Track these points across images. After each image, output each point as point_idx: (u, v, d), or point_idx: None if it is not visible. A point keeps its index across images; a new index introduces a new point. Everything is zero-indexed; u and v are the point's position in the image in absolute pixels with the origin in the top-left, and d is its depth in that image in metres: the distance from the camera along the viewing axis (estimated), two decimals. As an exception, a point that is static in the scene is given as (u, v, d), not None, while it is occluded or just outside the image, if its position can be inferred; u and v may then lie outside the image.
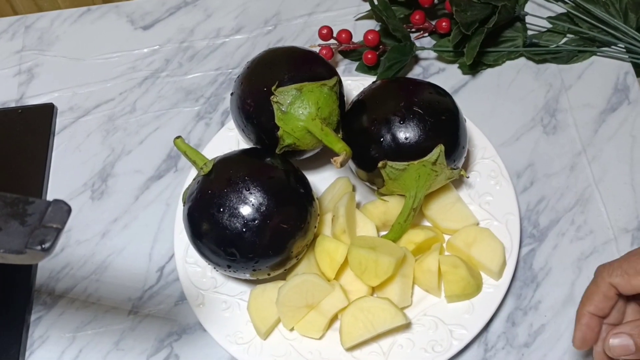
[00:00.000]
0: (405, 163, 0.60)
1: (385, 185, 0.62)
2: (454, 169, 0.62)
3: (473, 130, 0.69)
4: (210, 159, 0.63)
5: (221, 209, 0.57)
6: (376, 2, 0.73)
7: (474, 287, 0.60)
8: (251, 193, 0.57)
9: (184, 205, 0.61)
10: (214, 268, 0.61)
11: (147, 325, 0.64)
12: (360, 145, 0.61)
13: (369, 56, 0.74)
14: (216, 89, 0.78)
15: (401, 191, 0.62)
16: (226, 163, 0.60)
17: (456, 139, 0.61)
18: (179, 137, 0.66)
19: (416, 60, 0.77)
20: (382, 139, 0.60)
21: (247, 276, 0.60)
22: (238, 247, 0.57)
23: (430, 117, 0.60)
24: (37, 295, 0.67)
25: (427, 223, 0.66)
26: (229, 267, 0.58)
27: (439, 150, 0.60)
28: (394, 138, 0.60)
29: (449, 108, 0.62)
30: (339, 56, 0.79)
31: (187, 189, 0.61)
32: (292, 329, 0.60)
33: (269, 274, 0.60)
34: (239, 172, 0.58)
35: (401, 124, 0.60)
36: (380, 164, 0.60)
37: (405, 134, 0.60)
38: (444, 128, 0.61)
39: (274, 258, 0.58)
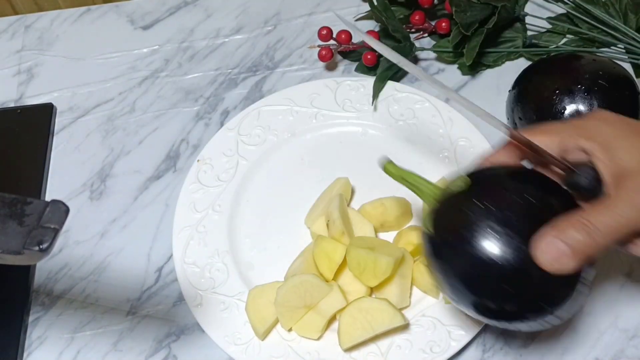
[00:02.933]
0: None
1: None
2: None
3: (472, 130, 0.68)
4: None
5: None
6: (376, 3, 0.73)
7: (473, 288, 0.60)
8: None
9: (429, 232, 0.47)
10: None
11: (145, 326, 0.64)
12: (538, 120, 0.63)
13: (369, 57, 0.74)
14: (216, 89, 0.78)
15: None
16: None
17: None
18: (389, 161, 0.50)
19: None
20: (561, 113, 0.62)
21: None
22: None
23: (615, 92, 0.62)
24: (35, 296, 0.66)
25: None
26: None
27: None
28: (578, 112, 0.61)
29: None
30: (339, 57, 0.79)
31: (430, 214, 0.48)
32: (290, 330, 0.60)
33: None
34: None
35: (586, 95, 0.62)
36: None
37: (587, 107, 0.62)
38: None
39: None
